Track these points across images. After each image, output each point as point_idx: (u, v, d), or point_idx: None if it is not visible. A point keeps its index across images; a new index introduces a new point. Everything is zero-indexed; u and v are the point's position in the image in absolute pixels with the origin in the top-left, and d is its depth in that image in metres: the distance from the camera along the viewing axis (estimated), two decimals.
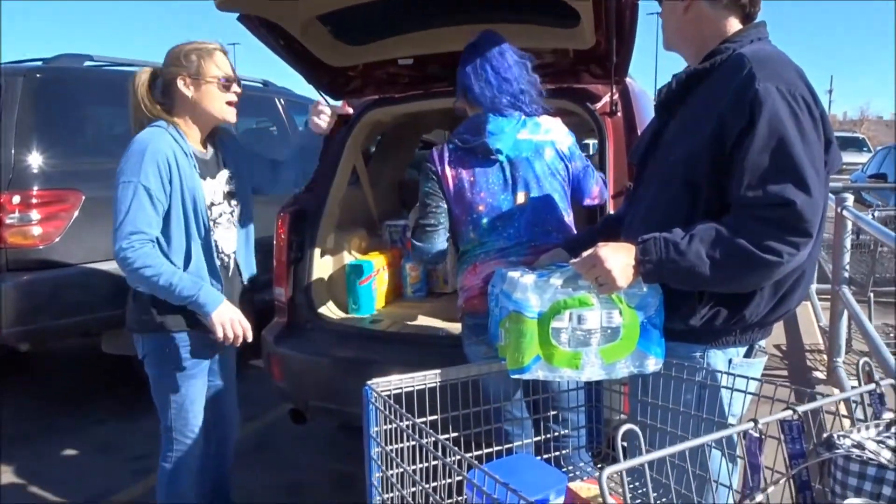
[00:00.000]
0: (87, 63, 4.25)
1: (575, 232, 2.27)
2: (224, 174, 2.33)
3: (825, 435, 1.03)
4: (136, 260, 2.03)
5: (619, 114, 2.77)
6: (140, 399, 4.07)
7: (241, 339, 2.18)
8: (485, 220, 2.19)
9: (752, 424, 1.00)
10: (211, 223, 2.22)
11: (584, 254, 1.44)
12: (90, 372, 4.87)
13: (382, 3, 2.54)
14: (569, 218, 2.28)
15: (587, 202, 2.41)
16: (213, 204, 2.25)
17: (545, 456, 1.59)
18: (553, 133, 2.27)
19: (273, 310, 3.12)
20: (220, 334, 2.12)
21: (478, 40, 2.24)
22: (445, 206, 2.23)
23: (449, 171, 2.22)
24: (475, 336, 2.19)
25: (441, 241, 2.26)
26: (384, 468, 1.31)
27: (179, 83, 2.16)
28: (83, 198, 3.66)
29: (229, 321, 2.13)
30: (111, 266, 3.72)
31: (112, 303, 3.80)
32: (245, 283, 2.44)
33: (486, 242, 2.20)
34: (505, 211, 2.18)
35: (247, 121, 5.41)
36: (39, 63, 4.10)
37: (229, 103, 2.24)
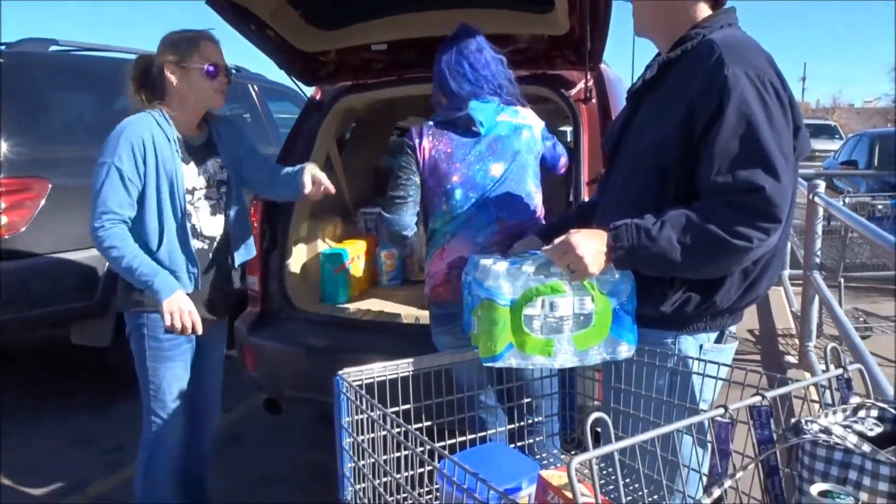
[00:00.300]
0: (53, 48, 4.15)
1: (542, 209, 2.34)
2: (216, 162, 2.36)
3: (793, 420, 1.03)
4: (106, 240, 2.11)
5: (594, 100, 2.76)
6: (112, 391, 4.05)
7: (189, 331, 2.21)
8: (458, 192, 2.21)
9: (721, 411, 1.00)
10: (190, 207, 2.26)
11: (556, 241, 1.44)
12: (60, 364, 4.79)
13: None
14: (538, 195, 2.33)
15: (557, 170, 2.50)
16: (194, 189, 2.27)
17: (519, 444, 1.59)
18: (529, 119, 2.33)
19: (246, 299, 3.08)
20: (167, 322, 2.17)
21: (455, 35, 2.27)
22: (418, 180, 2.26)
23: (426, 143, 2.25)
24: (441, 326, 2.19)
25: (410, 215, 2.27)
26: (356, 458, 1.30)
27: (166, 71, 2.20)
28: (49, 186, 3.58)
29: (178, 310, 2.17)
30: (80, 255, 3.66)
31: (81, 293, 3.74)
32: (235, 267, 2.46)
33: (456, 217, 2.22)
34: (478, 182, 2.22)
35: None
36: (2, 48, 4.00)
37: (216, 91, 2.26)
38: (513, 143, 2.25)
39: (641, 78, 1.62)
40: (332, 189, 2.34)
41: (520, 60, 2.84)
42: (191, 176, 2.26)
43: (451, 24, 2.69)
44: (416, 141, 2.25)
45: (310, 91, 3.32)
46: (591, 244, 1.41)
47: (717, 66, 1.38)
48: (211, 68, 2.22)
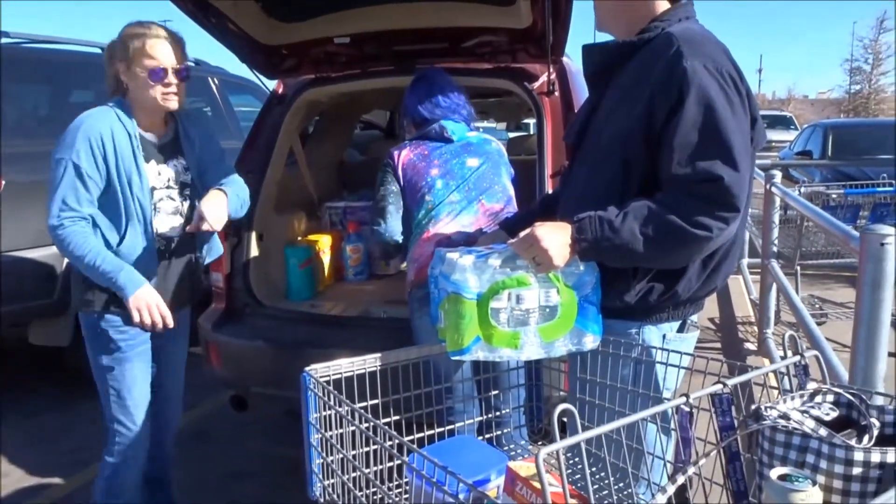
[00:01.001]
0: (4, 40, 4.01)
1: (515, 200, 2.48)
2: (179, 162, 2.28)
3: (753, 407, 1.06)
4: (66, 238, 2.04)
5: (557, 93, 2.78)
6: (72, 391, 3.96)
7: (159, 326, 2.15)
8: (439, 182, 2.37)
9: (683, 399, 1.03)
10: (150, 205, 2.17)
11: (521, 234, 1.45)
12: (18, 364, 4.67)
13: None
14: (511, 191, 2.49)
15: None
16: (154, 188, 2.19)
17: (487, 435, 1.60)
18: (495, 141, 2.59)
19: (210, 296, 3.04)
20: (136, 318, 2.10)
21: (422, 77, 2.49)
22: (396, 188, 2.40)
23: (404, 153, 2.42)
24: (425, 307, 2.19)
25: (395, 221, 2.41)
26: (324, 454, 1.30)
27: (120, 68, 2.12)
28: (3, 183, 3.47)
29: (146, 306, 2.10)
30: (37, 254, 3.57)
31: (39, 292, 3.65)
32: (196, 266, 2.40)
33: (439, 204, 2.35)
34: (457, 172, 2.40)
35: None
36: None
37: (164, 95, 2.12)
38: (484, 147, 2.47)
39: (595, 52, 1.63)
40: (212, 227, 2.16)
41: (483, 53, 2.85)
42: (151, 175, 2.18)
43: (413, 17, 2.69)
44: (394, 153, 2.43)
45: (272, 84, 3.28)
46: (555, 237, 1.42)
47: (675, 59, 1.41)
48: (155, 72, 2.08)
